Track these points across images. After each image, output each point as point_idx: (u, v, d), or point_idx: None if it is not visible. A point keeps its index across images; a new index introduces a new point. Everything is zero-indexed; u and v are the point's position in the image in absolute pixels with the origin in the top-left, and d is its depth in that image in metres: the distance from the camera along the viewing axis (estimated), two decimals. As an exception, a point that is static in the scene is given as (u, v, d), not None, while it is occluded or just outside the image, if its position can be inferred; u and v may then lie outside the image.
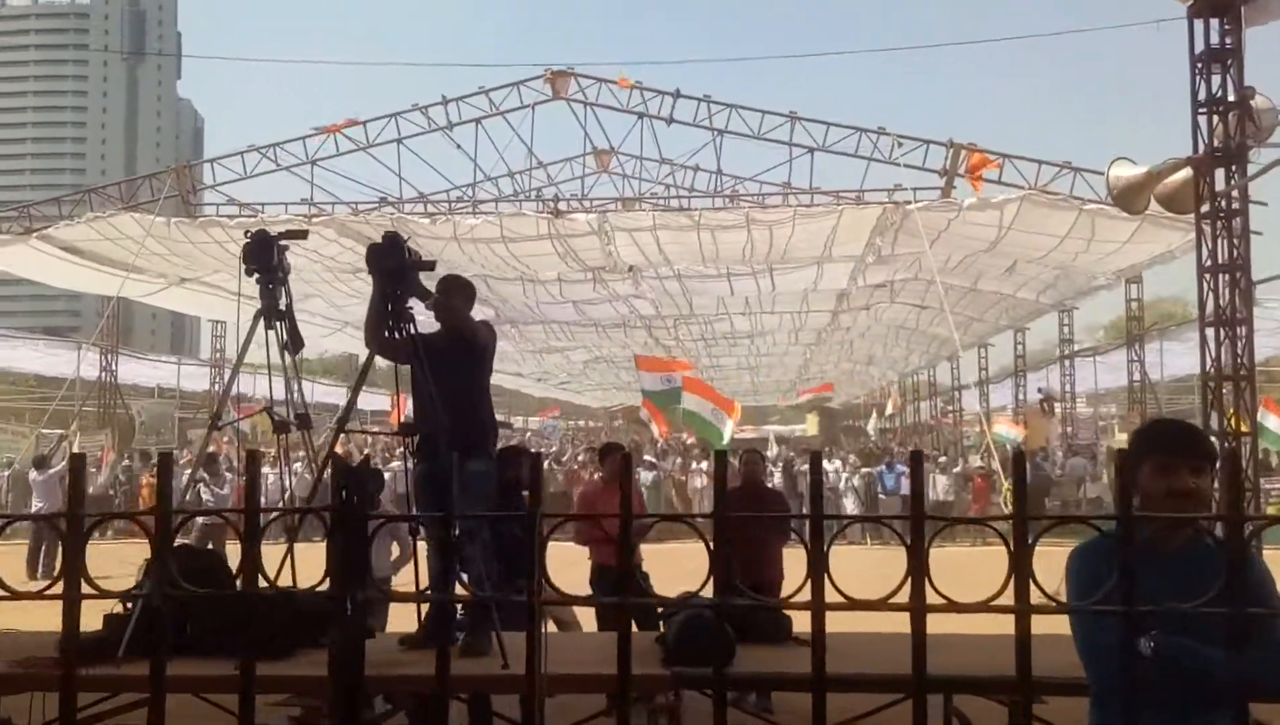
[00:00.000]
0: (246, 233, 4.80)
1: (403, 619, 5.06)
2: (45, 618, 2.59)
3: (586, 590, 6.93)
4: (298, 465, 11.51)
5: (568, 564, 7.70)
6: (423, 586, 4.62)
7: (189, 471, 10.15)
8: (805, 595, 1.87)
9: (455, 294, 4.80)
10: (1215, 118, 8.67)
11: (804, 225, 18.16)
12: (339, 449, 4.79)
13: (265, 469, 20.99)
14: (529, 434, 43.34)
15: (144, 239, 18.17)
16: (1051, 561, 2.53)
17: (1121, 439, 26.09)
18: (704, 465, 20.35)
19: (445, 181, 20.94)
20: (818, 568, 1.86)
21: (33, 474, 16.27)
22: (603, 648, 4.82)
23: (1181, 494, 2.57)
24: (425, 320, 4.71)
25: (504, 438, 25.14)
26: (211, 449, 15.53)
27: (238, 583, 2.01)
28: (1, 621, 5.04)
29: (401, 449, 4.90)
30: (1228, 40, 8.74)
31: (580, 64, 22.28)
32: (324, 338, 28.46)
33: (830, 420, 50.32)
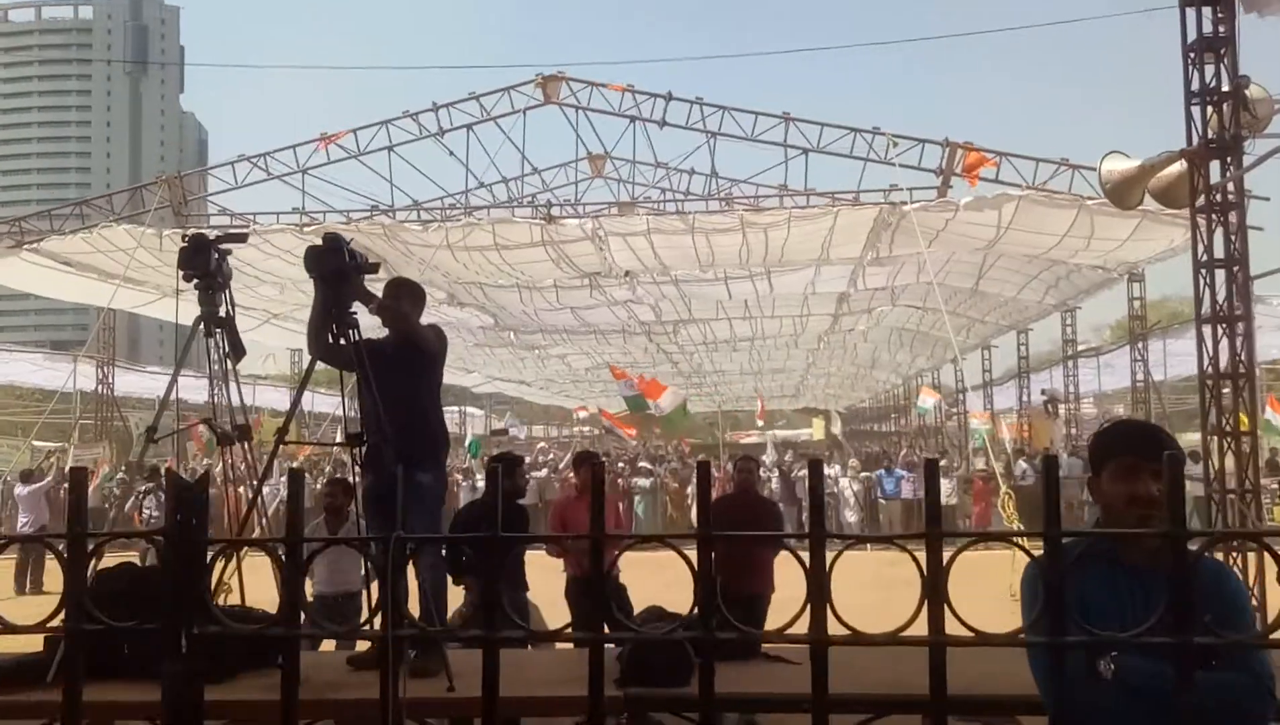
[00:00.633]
0: (183, 237, 4.62)
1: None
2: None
3: (561, 602, 6.73)
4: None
5: (546, 572, 7.54)
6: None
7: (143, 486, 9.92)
8: (798, 616, 1.62)
9: (403, 298, 4.60)
10: (1209, 109, 8.45)
11: (799, 227, 17.98)
12: (298, 462, 4.59)
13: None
14: (541, 444, 43.01)
15: (134, 250, 18.02)
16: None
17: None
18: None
19: (439, 189, 20.81)
20: (818, 595, 1.60)
21: (18, 488, 16.12)
22: (565, 665, 4.62)
23: (1144, 500, 2.36)
24: (374, 324, 4.52)
25: (499, 445, 25.03)
26: (156, 461, 15.41)
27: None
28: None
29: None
30: (1221, 29, 8.51)
31: (573, 64, 22.15)
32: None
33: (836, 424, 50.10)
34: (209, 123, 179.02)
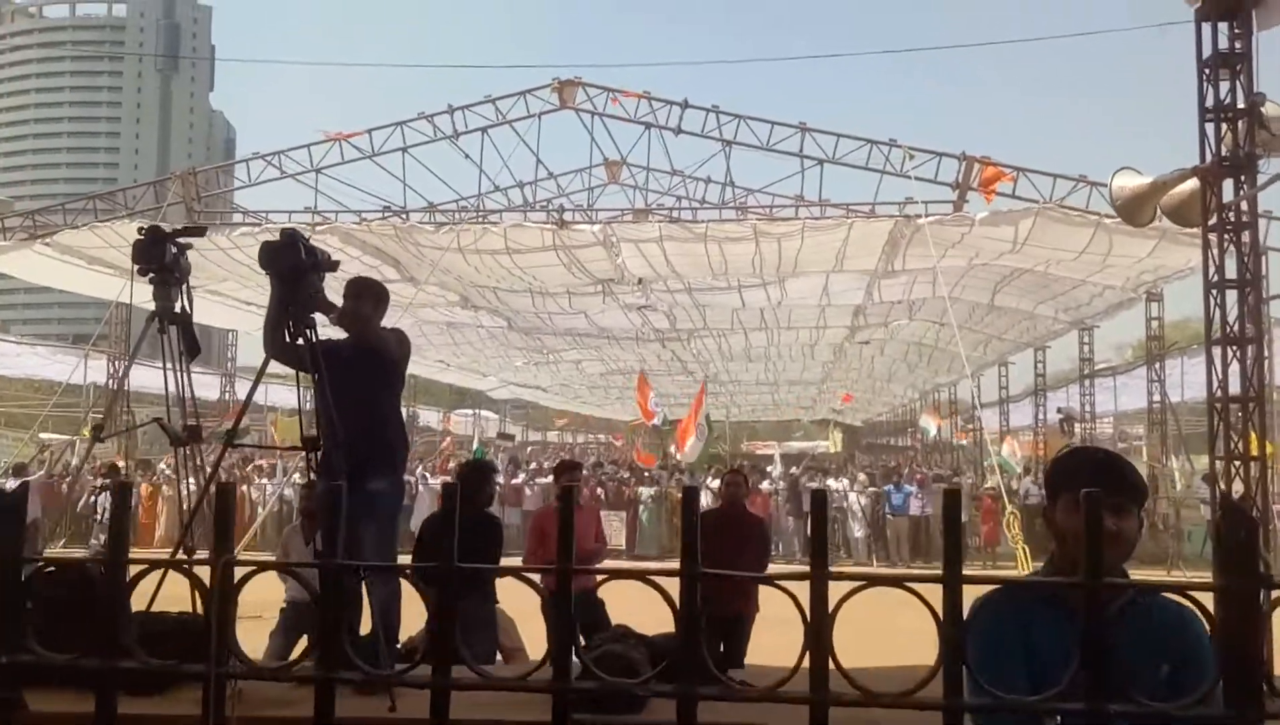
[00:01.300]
0: (140, 230, 4.50)
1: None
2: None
3: (538, 617, 6.55)
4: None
5: (522, 587, 7.35)
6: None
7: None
8: (796, 670, 1.40)
9: (364, 299, 4.45)
10: (1223, 125, 8.22)
11: (813, 238, 17.79)
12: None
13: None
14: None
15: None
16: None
17: (1144, 461, 25.51)
18: (706, 480, 19.97)
19: (452, 191, 20.73)
20: (818, 647, 1.37)
21: (10, 483, 16.04)
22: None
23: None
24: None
25: (503, 449, 24.84)
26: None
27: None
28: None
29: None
30: (1237, 45, 8.29)
31: (591, 66, 22.10)
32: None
33: (852, 437, 49.84)
34: (237, 121, 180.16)
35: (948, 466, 32.38)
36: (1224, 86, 8.25)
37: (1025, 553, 14.03)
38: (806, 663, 1.36)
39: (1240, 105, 8.10)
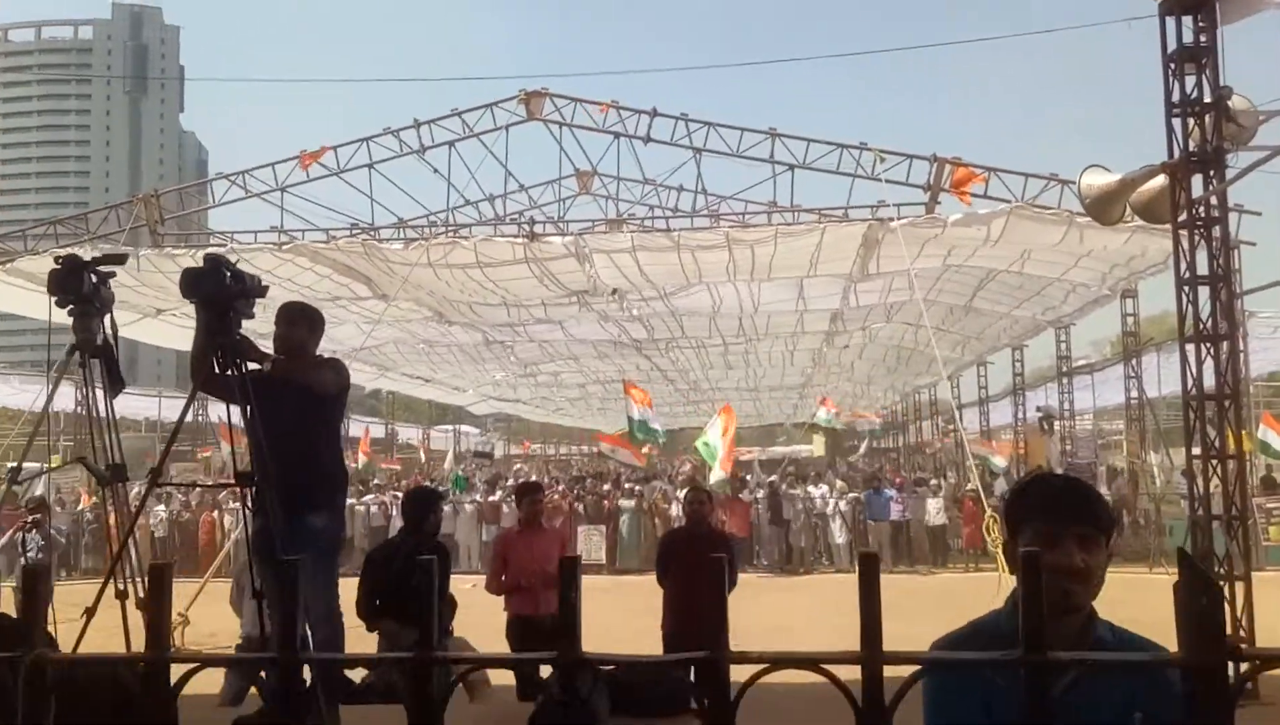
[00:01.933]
0: (57, 260, 4.28)
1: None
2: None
3: (502, 642, 6.35)
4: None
5: (487, 611, 7.15)
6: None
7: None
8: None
9: (298, 324, 4.25)
10: (1190, 120, 8.10)
11: (786, 244, 17.65)
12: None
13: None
14: (518, 466, 42.55)
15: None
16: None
17: (1123, 456, 25.54)
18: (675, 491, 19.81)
19: (421, 207, 20.50)
20: None
21: None
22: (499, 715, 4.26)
23: (1066, 571, 2.00)
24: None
25: (481, 467, 24.57)
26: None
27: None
28: None
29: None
30: (1202, 38, 8.18)
31: (560, 76, 21.93)
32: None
33: (836, 440, 49.69)
34: (210, 142, 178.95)
35: (927, 468, 32.30)
36: (1190, 81, 8.15)
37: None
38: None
39: (1207, 99, 7.99)
